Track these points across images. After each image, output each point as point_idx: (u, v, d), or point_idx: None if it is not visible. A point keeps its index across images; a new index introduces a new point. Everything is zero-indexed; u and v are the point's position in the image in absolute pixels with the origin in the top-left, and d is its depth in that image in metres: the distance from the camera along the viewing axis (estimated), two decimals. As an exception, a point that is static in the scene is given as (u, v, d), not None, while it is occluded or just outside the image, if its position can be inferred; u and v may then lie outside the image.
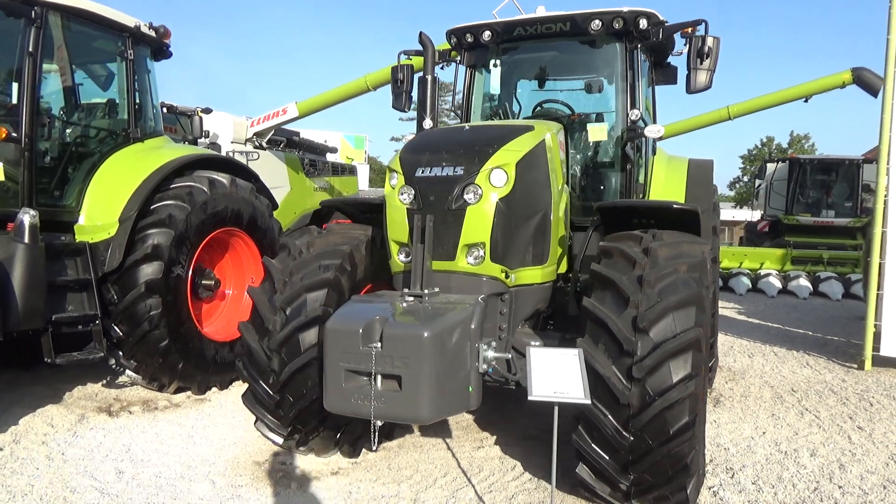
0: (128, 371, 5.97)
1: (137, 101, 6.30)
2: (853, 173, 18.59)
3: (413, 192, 4.00)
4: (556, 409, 3.17)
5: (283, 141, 15.73)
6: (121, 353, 5.80)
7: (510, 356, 3.82)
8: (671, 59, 6.56)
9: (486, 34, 5.96)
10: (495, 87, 6.36)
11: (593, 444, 3.63)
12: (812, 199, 18.88)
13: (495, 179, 3.88)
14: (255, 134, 14.89)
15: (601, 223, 4.71)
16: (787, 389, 6.87)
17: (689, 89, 5.42)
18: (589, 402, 3.22)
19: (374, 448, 4.18)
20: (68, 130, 5.96)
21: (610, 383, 3.50)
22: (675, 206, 4.29)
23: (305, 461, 4.69)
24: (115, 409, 5.78)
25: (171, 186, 6.02)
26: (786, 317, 12.11)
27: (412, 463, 4.71)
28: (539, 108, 6.28)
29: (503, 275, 3.96)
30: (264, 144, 14.78)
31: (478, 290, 3.90)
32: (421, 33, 6.13)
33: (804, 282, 15.57)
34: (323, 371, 3.55)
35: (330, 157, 17.77)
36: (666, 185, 6.15)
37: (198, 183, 6.17)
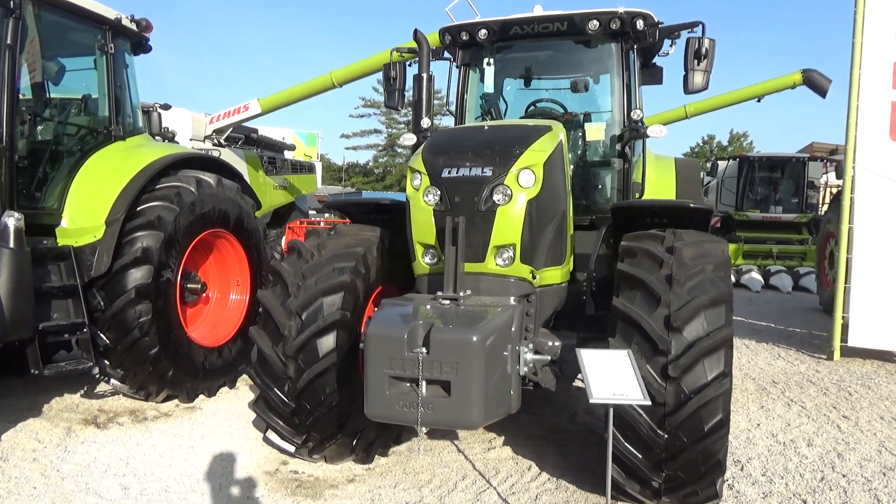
0: (112, 380, 5.70)
1: (118, 97, 6.00)
2: (799, 171, 19.36)
3: (439, 192, 3.94)
4: (612, 411, 3.17)
5: (241, 138, 15.34)
6: (107, 361, 5.52)
7: (549, 358, 3.81)
8: (656, 60, 6.71)
9: (483, 32, 5.92)
10: (489, 85, 6.33)
11: (626, 443, 3.65)
12: (761, 195, 19.58)
13: (524, 180, 3.86)
14: (214, 131, 14.47)
15: (612, 223, 4.75)
16: (768, 381, 7.10)
17: (687, 90, 5.52)
18: (649, 402, 3.24)
19: (420, 454, 4.11)
20: (48, 128, 5.63)
21: (645, 382, 3.52)
22: (692, 205, 4.36)
23: (317, 469, 4.57)
24: (102, 421, 5.51)
25: (158, 187, 5.76)
26: (744, 310, 12.53)
27: (427, 467, 4.65)
28: (533, 108, 6.29)
29: (531, 276, 3.95)
30: (223, 142, 14.39)
31: (507, 291, 3.88)
32: (416, 31, 6.06)
33: (756, 275, 16.20)
34: (365, 378, 3.45)
35: (288, 155, 17.46)
36: (657, 184, 6.25)
37: (185, 183, 5.93)
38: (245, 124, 15.06)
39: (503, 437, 5.23)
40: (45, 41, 5.52)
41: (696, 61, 5.45)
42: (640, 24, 5.63)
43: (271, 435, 4.52)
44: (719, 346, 3.53)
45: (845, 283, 8.12)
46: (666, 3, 23.27)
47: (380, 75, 6.44)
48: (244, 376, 6.83)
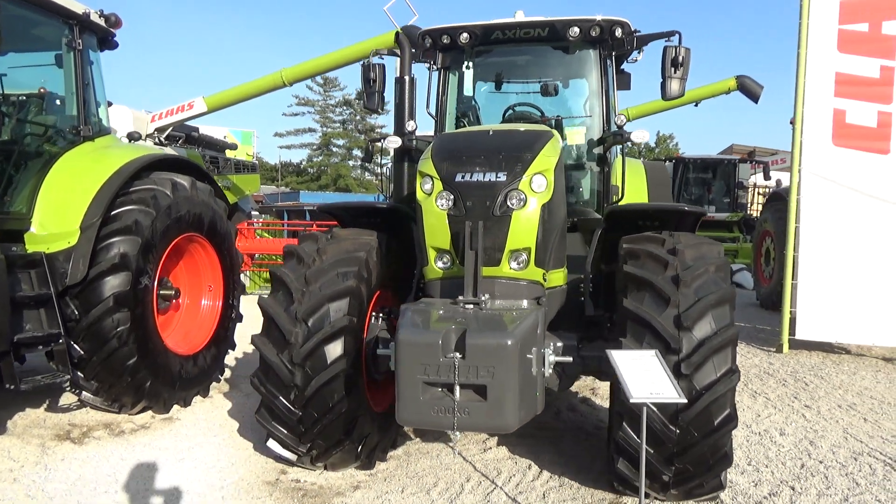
0: (84, 393, 5.43)
1: (86, 96, 5.71)
2: (730, 172, 20.35)
3: (452, 197, 3.96)
4: (646, 411, 3.27)
5: (181, 137, 14.85)
6: (80, 374, 5.25)
7: (571, 359, 3.90)
8: (624, 66, 6.93)
9: (464, 36, 5.95)
10: (468, 89, 6.40)
11: (638, 439, 3.77)
12: (695, 195, 20.44)
13: (536, 185, 3.94)
14: (155, 129, 13.95)
15: (604, 226, 4.89)
16: (730, 374, 7.45)
17: (665, 96, 5.73)
18: (685, 400, 3.36)
19: (454, 454, 4.10)
20: (12, 128, 5.30)
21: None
22: (686, 209, 4.54)
23: (318, 477, 4.51)
24: (76, 436, 5.24)
25: (132, 190, 5.52)
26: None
27: (428, 470, 4.66)
28: (511, 112, 6.38)
29: (542, 278, 4.02)
30: (163, 140, 13.90)
31: (520, 294, 3.94)
32: (397, 33, 6.09)
33: (748, 274, 16.75)
34: (397, 384, 3.43)
35: (229, 154, 17.02)
36: (630, 187, 6.46)
37: (160, 186, 5.70)
38: (186, 123, 14.59)
39: (496, 438, 5.29)
40: (9, 36, 5.19)
41: (673, 69, 5.66)
42: (618, 32, 5.81)
43: (272, 444, 4.42)
44: (727, 344, 3.71)
45: (792, 279, 8.61)
46: (612, 7, 23.96)
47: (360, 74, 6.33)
48: (216, 384, 6.65)
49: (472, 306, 3.68)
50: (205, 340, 6.39)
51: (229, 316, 6.74)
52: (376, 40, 12.49)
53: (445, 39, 6.06)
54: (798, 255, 8.56)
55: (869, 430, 5.63)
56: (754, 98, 15.39)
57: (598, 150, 5.92)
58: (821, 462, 4.86)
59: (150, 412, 5.80)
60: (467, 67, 6.26)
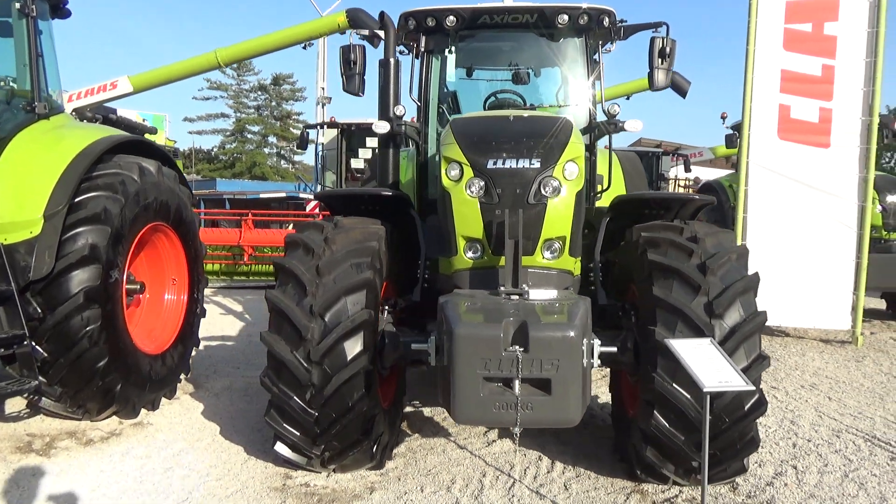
0: (44, 399, 4.90)
1: (39, 69, 5.12)
2: (653, 164, 21.11)
3: (483, 184, 3.81)
4: (709, 398, 3.26)
5: (98, 119, 13.81)
6: (42, 378, 4.72)
7: (616, 349, 3.84)
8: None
9: (451, 19, 5.77)
10: (451, 74, 6.24)
11: (670, 426, 3.78)
12: (621, 186, 21.06)
13: (569, 172, 3.85)
14: (73, 110, 12.91)
15: (611, 215, 4.87)
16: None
17: (653, 87, 5.80)
18: (753, 387, 3.36)
19: (515, 450, 3.94)
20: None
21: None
22: (696, 197, 4.59)
23: (328, 480, 4.27)
24: (40, 448, 4.73)
25: (98, 174, 5.01)
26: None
27: (440, 467, 4.51)
28: (493, 99, 6.28)
29: (573, 267, 3.95)
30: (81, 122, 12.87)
31: (552, 284, 3.86)
32: (382, 13, 5.81)
33: None
34: (452, 381, 3.24)
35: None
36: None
37: (127, 171, 5.21)
38: (106, 104, 13.58)
39: (494, 431, 5.20)
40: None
41: (660, 60, 5.72)
42: (606, 21, 5.81)
43: (280, 448, 4.13)
44: (756, 331, 3.78)
45: (740, 266, 8.99)
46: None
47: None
48: (179, 384, 6.19)
49: (516, 297, 3.56)
50: (171, 338, 5.94)
51: (194, 311, 6.31)
52: (322, 21, 12.09)
53: (430, 21, 5.86)
54: (746, 243, 8.95)
55: (837, 408, 5.95)
56: (682, 93, 15.87)
57: (585, 140, 5.90)
58: (809, 441, 5.08)
59: (113, 417, 5.31)
60: (450, 52, 6.09)
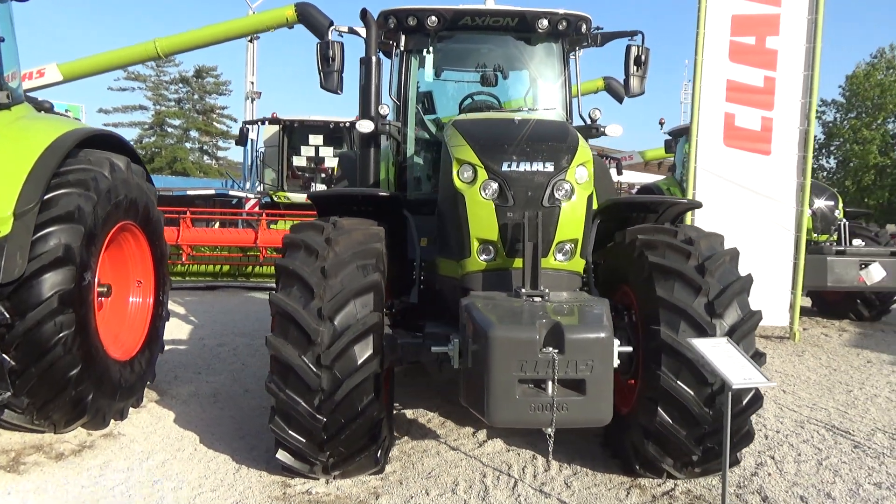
0: (6, 411, 4.56)
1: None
2: None
3: (498, 186, 3.82)
4: (730, 395, 3.38)
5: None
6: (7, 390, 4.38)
7: (631, 349, 3.92)
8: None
9: (433, 19, 5.78)
10: (429, 74, 6.23)
11: (672, 421, 3.92)
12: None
13: (579, 176, 3.92)
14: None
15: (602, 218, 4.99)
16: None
17: (629, 93, 6.00)
18: (774, 384, 3.50)
19: (549, 458, 3.93)
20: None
21: (700, 365, 3.81)
22: (684, 201, 4.77)
23: (328, 487, 4.17)
24: (6, 464, 4.40)
25: (67, 170, 4.70)
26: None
27: (438, 469, 4.49)
28: (469, 101, 6.31)
29: (581, 269, 4.02)
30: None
31: (562, 285, 3.92)
32: (364, 11, 5.73)
33: None
34: (487, 383, 3.23)
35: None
36: None
37: (98, 167, 4.91)
38: (35, 94, 12.74)
39: (483, 431, 5.23)
40: None
41: (636, 67, 5.93)
42: (583, 27, 5.95)
43: (282, 455, 4.00)
44: (752, 329, 3.97)
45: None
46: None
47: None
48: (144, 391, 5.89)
49: (538, 299, 3.59)
50: (138, 343, 5.65)
51: (160, 314, 6.01)
52: (269, 15, 11.78)
53: (411, 21, 5.84)
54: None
55: (794, 400, 6.31)
56: (619, 98, 16.49)
57: None
58: (778, 432, 5.37)
59: (80, 429, 4.99)
60: (428, 52, 6.07)
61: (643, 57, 5.92)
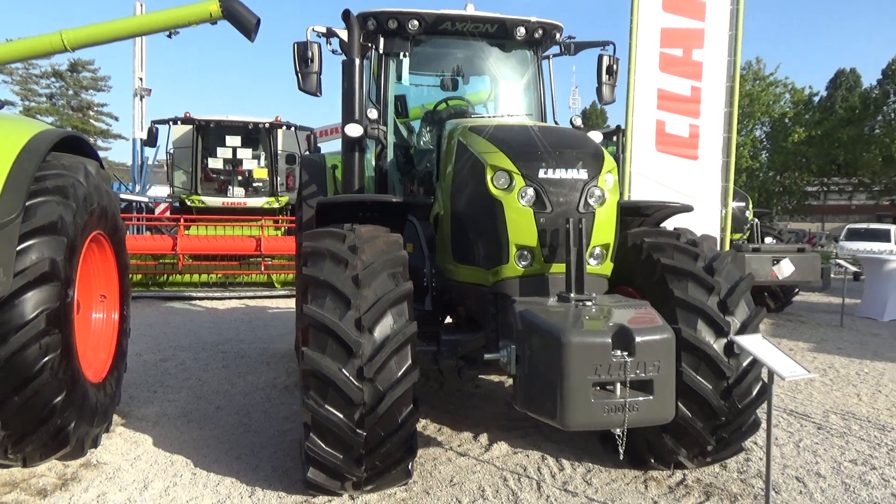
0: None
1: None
2: None
3: (534, 193, 3.87)
4: (772, 388, 3.58)
5: None
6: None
7: None
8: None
9: (414, 23, 5.76)
10: (405, 78, 6.18)
11: (692, 415, 4.13)
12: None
13: (608, 182, 4.04)
14: None
15: None
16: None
17: (602, 101, 6.25)
18: (814, 375, 3.73)
19: (621, 457, 4.00)
20: None
21: (715, 360, 4.05)
22: (679, 205, 5.03)
23: (355, 502, 4.05)
24: (-16, 506, 3.92)
25: (44, 175, 4.26)
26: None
27: (458, 477, 4.48)
28: (445, 105, 6.33)
29: (609, 273, 4.15)
30: None
31: (596, 289, 4.02)
32: (347, 11, 5.61)
33: None
34: (562, 389, 3.24)
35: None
36: None
37: (73, 172, 4.48)
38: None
39: (484, 435, 5.26)
40: None
41: (607, 76, 6.18)
42: (557, 35, 6.13)
43: (314, 474, 3.83)
44: (759, 324, 4.25)
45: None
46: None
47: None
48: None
49: (589, 303, 3.67)
50: (107, 363, 5.21)
51: (125, 330, 5.57)
52: (192, 9, 11.16)
53: (392, 24, 5.79)
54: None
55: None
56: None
57: None
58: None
59: (54, 460, 4.54)
60: (404, 55, 6.02)
61: (614, 66, 6.18)
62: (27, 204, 4.05)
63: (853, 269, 11.70)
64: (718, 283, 4.26)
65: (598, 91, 6.23)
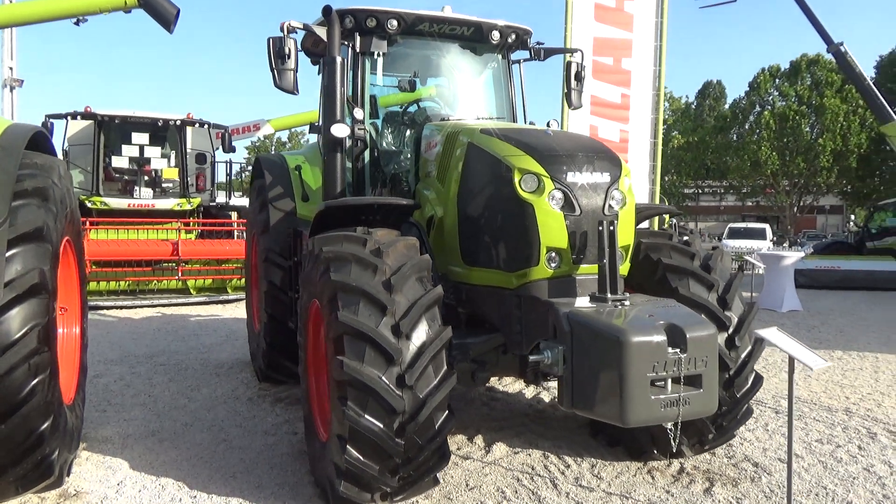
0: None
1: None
2: None
3: (563, 196, 3.92)
4: (792, 378, 3.80)
5: None
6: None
7: None
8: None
9: (393, 23, 5.67)
10: (379, 77, 6.07)
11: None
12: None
13: (626, 186, 4.17)
14: None
15: None
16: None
17: (570, 106, 6.43)
18: (830, 363, 3.98)
19: (674, 450, 4.16)
20: None
21: (721, 353, 4.28)
22: (665, 207, 5.27)
23: (381, 514, 3.94)
24: (-35, 550, 3.45)
25: (21, 175, 3.81)
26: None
27: (473, 480, 4.46)
28: (416, 107, 6.29)
29: (625, 273, 4.28)
30: None
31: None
32: (328, 7, 5.45)
33: None
34: (622, 387, 3.30)
35: None
36: None
37: (48, 173, 4.04)
38: None
39: (480, 437, 5.26)
40: None
41: (576, 82, 6.37)
42: (528, 40, 6.25)
43: (347, 488, 3.68)
44: (753, 318, 4.55)
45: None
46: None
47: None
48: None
49: (627, 303, 3.77)
50: (74, 382, 4.73)
51: (85, 345, 5.09)
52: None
53: (371, 22, 5.68)
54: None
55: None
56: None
57: None
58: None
59: (29, 493, 4.08)
60: (379, 55, 5.92)
61: (582, 73, 6.38)
62: (10, 206, 3.61)
63: (762, 266, 12.72)
64: (716, 280, 4.52)
65: (567, 96, 6.41)
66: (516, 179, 4.02)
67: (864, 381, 7.26)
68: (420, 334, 3.64)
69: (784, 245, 26.70)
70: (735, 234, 26.22)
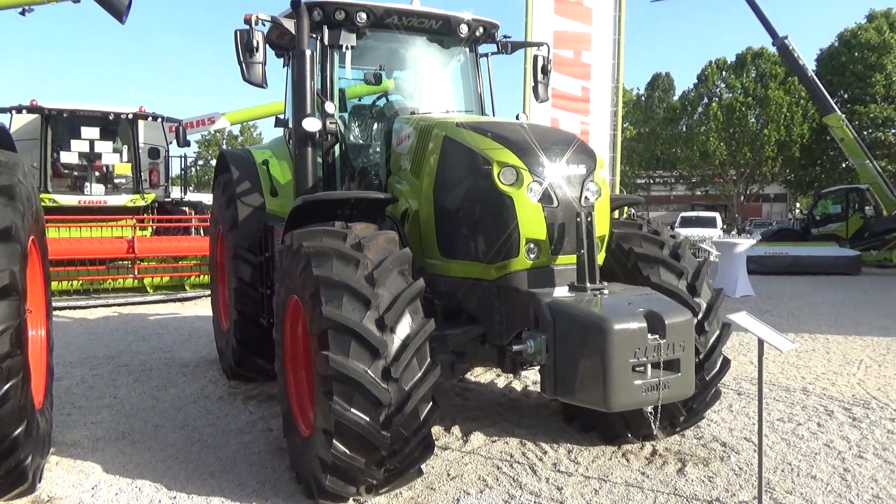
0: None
1: None
2: None
3: (541, 188, 3.98)
4: (759, 359, 3.95)
5: None
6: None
7: None
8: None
9: (362, 16, 5.65)
10: (348, 71, 6.05)
11: (670, 392, 4.51)
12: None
13: (600, 178, 4.26)
14: None
15: None
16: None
17: (538, 99, 6.52)
18: (797, 345, 4.13)
19: (654, 433, 4.30)
20: None
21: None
22: (635, 197, 5.42)
23: (366, 506, 3.97)
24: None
25: (-17, 173, 3.68)
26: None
27: (454, 470, 4.51)
28: (385, 101, 6.29)
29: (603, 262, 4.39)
30: None
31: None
32: (297, 0, 5.38)
33: None
34: (605, 374, 3.38)
35: None
36: None
37: (13, 170, 3.91)
38: None
39: (457, 427, 5.32)
40: None
41: (542, 75, 6.46)
42: (496, 34, 6.31)
43: (333, 482, 3.69)
44: (720, 304, 4.72)
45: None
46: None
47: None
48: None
49: (606, 292, 3.86)
50: (42, 385, 4.60)
51: (51, 348, 4.95)
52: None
53: (339, 15, 5.65)
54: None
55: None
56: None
57: None
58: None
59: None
60: (347, 48, 5.89)
61: (549, 66, 6.47)
62: (-28, 206, 3.49)
63: (715, 253, 13.10)
64: (685, 267, 4.67)
65: (535, 90, 6.49)
66: (495, 172, 4.06)
67: (817, 362, 7.58)
68: (404, 327, 3.67)
69: (733, 233, 27.61)
70: (687, 222, 26.95)
